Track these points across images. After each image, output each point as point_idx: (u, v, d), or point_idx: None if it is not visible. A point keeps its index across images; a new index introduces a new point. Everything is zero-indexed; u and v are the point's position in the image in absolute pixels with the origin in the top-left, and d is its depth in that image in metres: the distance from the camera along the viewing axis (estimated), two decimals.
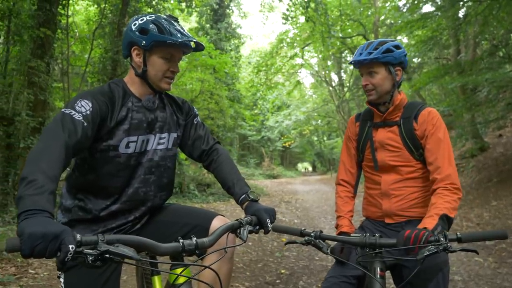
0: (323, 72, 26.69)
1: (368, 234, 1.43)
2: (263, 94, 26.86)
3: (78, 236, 0.95)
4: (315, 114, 30.72)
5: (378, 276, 1.43)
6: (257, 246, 6.12)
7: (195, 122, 1.85)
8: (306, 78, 59.31)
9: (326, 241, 1.49)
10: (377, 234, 1.43)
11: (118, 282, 1.56)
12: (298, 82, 25.41)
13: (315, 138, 38.95)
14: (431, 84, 13.23)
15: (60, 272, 1.47)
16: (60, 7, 8.89)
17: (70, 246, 0.90)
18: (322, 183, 23.07)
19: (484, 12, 9.18)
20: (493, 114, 11.20)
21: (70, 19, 11.66)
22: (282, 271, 4.73)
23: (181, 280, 1.24)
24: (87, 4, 14.23)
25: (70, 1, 10.75)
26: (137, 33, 1.56)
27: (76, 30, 13.99)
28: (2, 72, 8.03)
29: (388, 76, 1.84)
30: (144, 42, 1.54)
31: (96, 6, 12.42)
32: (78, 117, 1.37)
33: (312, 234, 1.47)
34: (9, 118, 7.48)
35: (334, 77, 27.50)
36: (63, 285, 1.47)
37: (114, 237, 1.01)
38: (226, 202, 12.74)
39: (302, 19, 16.51)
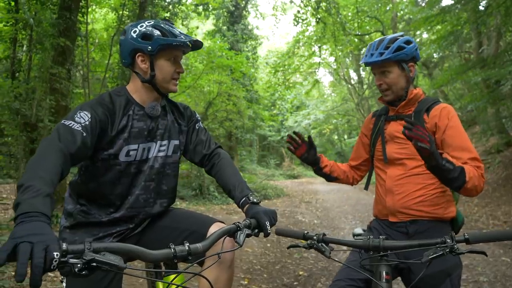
0: (342, 70, 26.45)
1: (371, 237, 1.38)
2: (282, 94, 26.79)
3: (64, 245, 0.94)
4: (335, 112, 30.43)
5: (384, 280, 1.38)
6: (275, 247, 6.08)
7: (197, 128, 1.86)
8: (324, 76, 58.82)
9: (330, 244, 1.44)
10: (381, 236, 1.37)
11: (120, 285, 1.57)
12: (317, 81, 25.22)
13: (336, 137, 38.59)
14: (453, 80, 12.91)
15: (62, 277, 1.49)
16: (80, 15, 9.09)
17: (55, 253, 0.89)
18: None
19: (506, 3, 8.90)
20: None
21: (90, 27, 11.91)
22: (300, 272, 4.68)
23: (174, 286, 1.21)
24: (106, 12, 14.51)
25: (89, 9, 11.01)
26: (139, 39, 1.57)
27: (96, 38, 14.30)
28: (25, 79, 8.26)
29: (402, 74, 1.81)
30: (150, 47, 1.56)
31: (114, 12, 12.64)
32: (77, 128, 1.40)
33: (315, 238, 1.43)
34: (33, 124, 7.69)
35: (353, 74, 27.23)
36: None
37: (102, 245, 1.00)
38: None
39: (313, 21, 16.41)
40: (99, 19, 15.65)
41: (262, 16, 26.24)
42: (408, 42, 1.79)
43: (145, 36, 1.57)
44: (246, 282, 4.26)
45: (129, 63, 1.64)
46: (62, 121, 1.42)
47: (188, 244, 1.15)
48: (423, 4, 14.81)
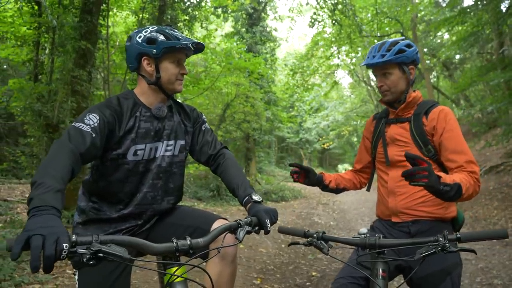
0: (361, 72, 26.25)
1: (368, 235, 1.43)
2: (300, 96, 26.74)
3: (74, 237, 1.03)
4: (354, 114, 30.23)
5: (380, 277, 1.43)
6: (290, 248, 6.12)
7: (203, 129, 1.94)
8: (343, 78, 58.46)
9: (329, 242, 1.49)
10: (377, 235, 1.42)
11: (128, 280, 1.66)
12: (335, 83, 25.05)
13: (355, 139, 38.30)
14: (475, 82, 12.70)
15: (75, 270, 1.61)
16: (101, 18, 9.30)
17: (64, 245, 0.98)
18: None
19: None
20: None
21: (110, 30, 12.15)
22: (313, 273, 4.72)
23: (176, 278, 1.29)
24: (126, 15, 14.79)
25: (110, 12, 11.24)
26: (145, 44, 1.67)
27: (117, 41, 14.59)
28: (47, 82, 8.48)
29: (402, 76, 1.87)
30: (154, 50, 1.66)
31: (134, 16, 12.87)
32: (87, 129, 1.50)
33: (315, 235, 1.49)
34: (54, 125, 7.89)
35: (372, 76, 26.95)
36: (77, 282, 1.60)
37: (108, 237, 1.09)
38: None
39: (328, 22, 16.34)
40: (120, 22, 15.98)
41: (281, 18, 26.28)
42: (408, 46, 1.85)
43: (149, 41, 1.66)
44: (258, 282, 4.33)
45: (135, 67, 1.74)
46: (73, 124, 1.52)
47: (190, 238, 1.24)
48: (444, 5, 14.61)
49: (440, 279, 1.64)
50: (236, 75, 14.65)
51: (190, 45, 1.70)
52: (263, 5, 22.83)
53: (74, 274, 1.61)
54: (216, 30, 17.67)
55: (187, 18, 12.36)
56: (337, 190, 2.14)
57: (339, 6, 12.50)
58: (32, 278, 3.64)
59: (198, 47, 1.76)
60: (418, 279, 1.63)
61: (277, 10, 25.77)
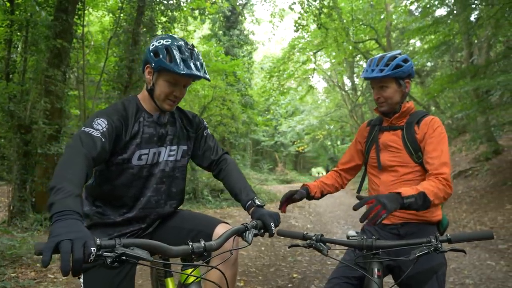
0: (336, 77, 26.71)
1: (365, 237, 1.52)
2: (276, 99, 26.94)
3: (98, 241, 1.07)
4: (328, 118, 30.69)
5: (376, 276, 1.53)
6: (270, 251, 6.20)
7: (205, 134, 1.99)
8: (319, 83, 59.27)
9: (327, 244, 1.58)
10: (373, 237, 1.52)
11: (132, 283, 1.70)
12: (311, 87, 25.47)
13: (329, 143, 38.87)
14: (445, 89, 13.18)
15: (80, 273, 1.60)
16: (76, 17, 9.09)
17: (92, 249, 1.02)
18: None
19: (496, 15, 9.17)
20: (507, 116, 11.11)
21: (85, 29, 11.92)
22: (294, 275, 4.80)
23: (191, 279, 1.35)
24: (102, 15, 14.54)
25: (86, 11, 11.01)
26: (151, 53, 1.69)
27: (91, 40, 14.33)
28: (19, 81, 8.21)
29: (398, 89, 1.98)
30: (153, 64, 1.68)
31: (111, 15, 12.65)
32: (96, 134, 1.52)
33: (314, 238, 1.57)
34: (27, 126, 7.66)
35: (347, 81, 27.46)
36: (82, 285, 1.61)
37: (130, 241, 1.13)
38: (239, 207, 12.75)
39: (313, 26, 16.52)
40: (95, 21, 15.71)
41: (258, 21, 26.41)
42: (405, 61, 1.97)
43: (155, 53, 1.68)
44: (241, 284, 4.38)
45: (143, 71, 1.77)
46: (82, 128, 1.54)
47: (203, 241, 1.30)
48: (417, 14, 15.08)
49: (427, 278, 1.75)
50: (213, 77, 14.66)
51: (187, 77, 1.68)
52: (240, 8, 22.88)
53: (79, 278, 1.62)
54: (194, 31, 17.60)
55: (165, 19, 12.25)
56: (321, 197, 2.23)
57: (325, 10, 12.63)
58: (15, 283, 3.58)
59: (200, 78, 1.72)
60: (407, 278, 1.73)
61: (254, 14, 25.80)
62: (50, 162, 7.97)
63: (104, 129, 1.56)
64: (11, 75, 8.33)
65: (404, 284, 1.79)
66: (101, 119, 1.59)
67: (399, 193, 1.61)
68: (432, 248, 1.35)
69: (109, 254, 1.06)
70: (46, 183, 7.86)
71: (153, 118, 1.77)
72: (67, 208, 1.13)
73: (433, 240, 1.37)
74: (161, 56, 1.65)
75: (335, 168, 2.32)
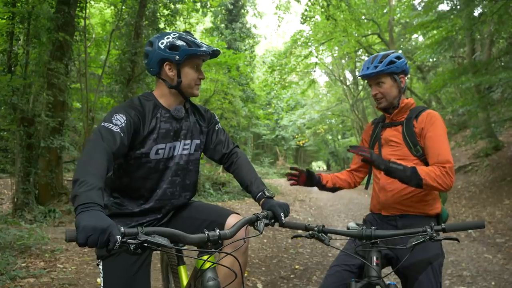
0: (338, 71, 26.71)
1: (365, 227, 1.62)
2: (277, 93, 26.95)
3: (122, 229, 1.16)
4: (330, 113, 30.74)
5: (374, 264, 1.62)
6: (272, 243, 6.31)
7: (217, 129, 2.07)
8: (320, 77, 59.24)
9: (329, 234, 1.67)
10: (373, 227, 1.61)
11: (149, 269, 1.79)
12: (313, 81, 25.45)
13: (330, 137, 38.96)
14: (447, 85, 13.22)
15: (99, 260, 1.71)
16: (78, 9, 9.06)
17: (117, 237, 1.12)
18: None
19: (499, 11, 9.18)
20: (508, 113, 11.16)
21: (87, 22, 11.93)
22: (296, 266, 4.91)
23: (207, 265, 1.45)
24: (102, 7, 14.45)
25: (88, 4, 10.98)
26: (167, 50, 1.77)
27: (92, 32, 14.29)
28: (22, 74, 8.20)
29: (394, 84, 2.08)
30: (177, 57, 1.76)
31: (112, 7, 12.61)
32: (116, 129, 1.60)
33: (316, 228, 1.65)
34: (29, 119, 7.68)
35: (349, 75, 27.47)
36: (101, 271, 1.70)
37: (151, 229, 1.22)
38: (240, 200, 12.95)
39: (319, 18, 16.40)
40: (96, 14, 15.69)
41: (260, 14, 26.39)
42: (398, 58, 2.07)
43: (172, 47, 1.76)
44: (246, 274, 4.48)
45: (157, 71, 1.83)
46: (102, 124, 1.61)
47: (218, 230, 1.39)
48: (420, 9, 15.06)
49: (422, 268, 1.84)
50: (215, 70, 14.69)
51: (209, 52, 1.81)
52: (242, 1, 22.81)
53: (98, 265, 1.70)
54: (197, 23, 17.58)
55: (167, 12, 12.24)
56: (334, 189, 2.32)
57: (333, 2, 12.52)
58: (26, 273, 3.68)
59: (214, 53, 1.87)
60: (404, 268, 1.83)
61: (256, 7, 25.76)
62: (53, 155, 8.05)
63: (123, 125, 1.63)
64: (13, 68, 8.34)
65: (401, 273, 1.88)
66: (120, 114, 1.66)
67: (390, 161, 1.81)
68: (428, 237, 1.44)
69: (132, 241, 1.15)
70: (49, 176, 7.98)
71: (171, 112, 1.85)
72: (91, 200, 1.21)
73: (429, 230, 1.46)
74: (181, 46, 1.75)
75: (347, 169, 2.43)
